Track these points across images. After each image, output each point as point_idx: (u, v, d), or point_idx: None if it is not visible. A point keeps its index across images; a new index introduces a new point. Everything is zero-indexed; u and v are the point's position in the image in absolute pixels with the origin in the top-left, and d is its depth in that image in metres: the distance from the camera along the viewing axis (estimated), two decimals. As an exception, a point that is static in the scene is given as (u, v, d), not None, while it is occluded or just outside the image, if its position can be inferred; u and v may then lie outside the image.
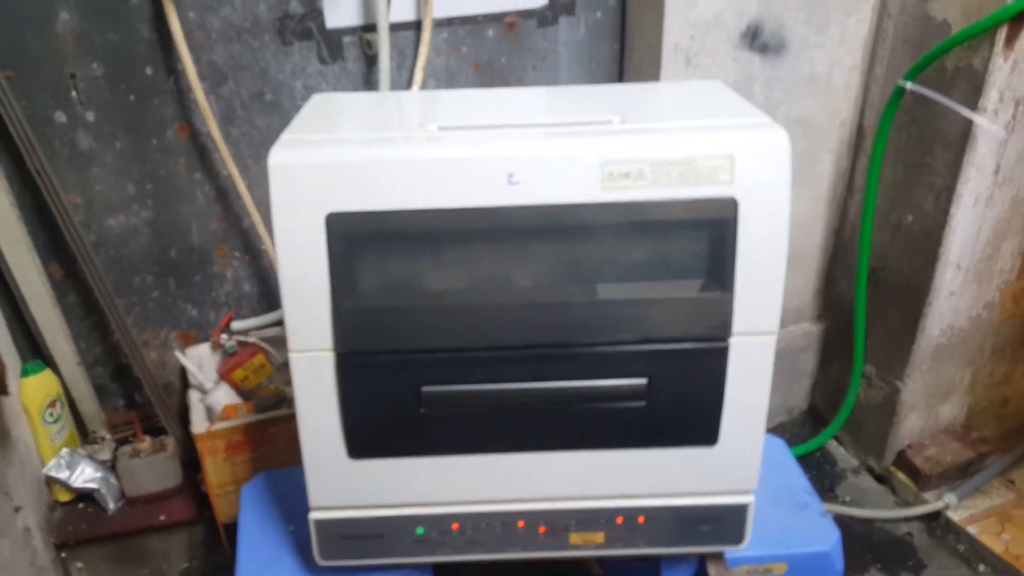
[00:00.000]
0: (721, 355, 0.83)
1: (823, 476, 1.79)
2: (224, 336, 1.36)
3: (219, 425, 1.25)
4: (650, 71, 1.36)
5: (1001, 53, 1.27)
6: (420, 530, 0.92)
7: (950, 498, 1.63)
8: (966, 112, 1.32)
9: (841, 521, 1.65)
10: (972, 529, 1.59)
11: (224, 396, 1.33)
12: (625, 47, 1.42)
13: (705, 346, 0.83)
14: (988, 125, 1.31)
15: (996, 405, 1.81)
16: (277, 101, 1.29)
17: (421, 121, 0.87)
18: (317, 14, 1.26)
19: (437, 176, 0.77)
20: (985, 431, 1.78)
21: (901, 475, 1.72)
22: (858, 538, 1.61)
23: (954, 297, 1.55)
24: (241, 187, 1.27)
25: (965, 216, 1.44)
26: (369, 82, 1.33)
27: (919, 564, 1.56)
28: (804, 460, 1.82)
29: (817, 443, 1.82)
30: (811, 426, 1.91)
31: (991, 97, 1.31)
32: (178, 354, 1.35)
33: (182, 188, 1.31)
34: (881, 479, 1.77)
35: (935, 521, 1.64)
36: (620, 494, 0.91)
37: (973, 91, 1.31)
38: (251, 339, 1.37)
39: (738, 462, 0.88)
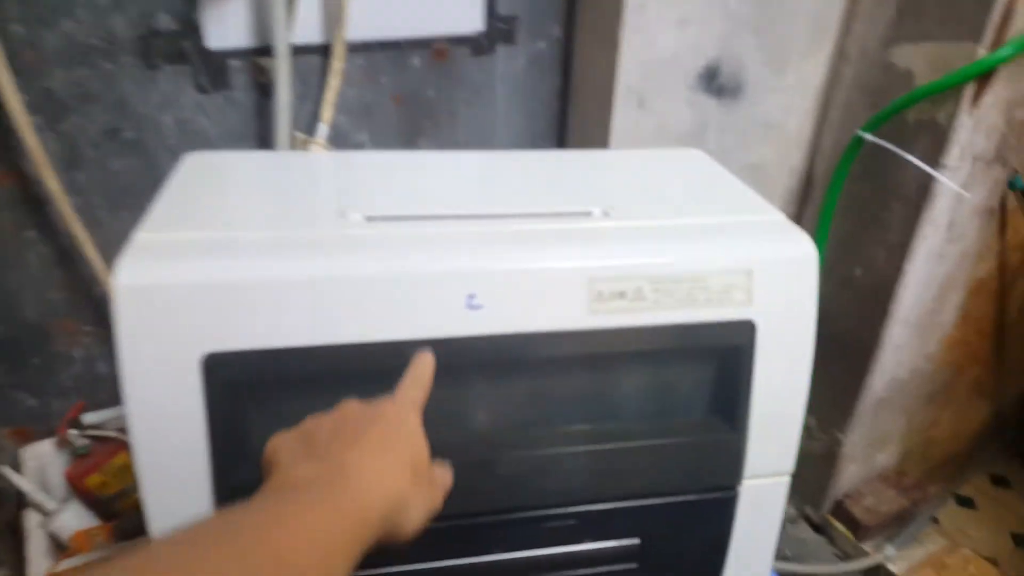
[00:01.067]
0: (728, 505, 0.67)
1: (763, 533, 1.71)
2: (73, 432, 1.07)
3: (66, 564, 0.96)
4: (598, 113, 1.18)
5: (967, 110, 1.19)
6: None
7: (889, 551, 1.60)
8: (929, 170, 1.24)
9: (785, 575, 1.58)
10: (910, 581, 1.56)
11: (74, 518, 1.03)
12: (571, 84, 1.24)
13: (710, 497, 0.66)
14: (953, 185, 1.24)
15: (923, 448, 1.81)
16: (140, 139, 1.01)
17: (342, 207, 0.64)
18: (193, 31, 0.99)
19: (371, 299, 0.56)
20: (913, 473, 1.78)
21: (839, 524, 1.68)
22: (803, 599, 1.54)
23: (899, 351, 1.49)
24: (89, 249, 0.99)
25: (918, 272, 1.37)
26: (262, 115, 1.07)
27: (862, 623, 1.50)
28: (744, 517, 1.74)
29: (758, 499, 1.74)
30: (748, 476, 1.84)
31: (953, 154, 1.23)
32: (8, 472, 1.04)
33: (9, 251, 1.01)
34: (819, 528, 1.71)
35: (876, 574, 1.60)
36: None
37: (935, 147, 1.24)
38: (110, 433, 1.09)
39: (743, 622, 0.73)
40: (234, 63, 1.03)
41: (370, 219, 0.63)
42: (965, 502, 1.84)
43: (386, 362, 0.56)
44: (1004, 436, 1.98)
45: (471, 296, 0.57)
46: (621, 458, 0.63)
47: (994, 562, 1.63)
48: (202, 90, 1.02)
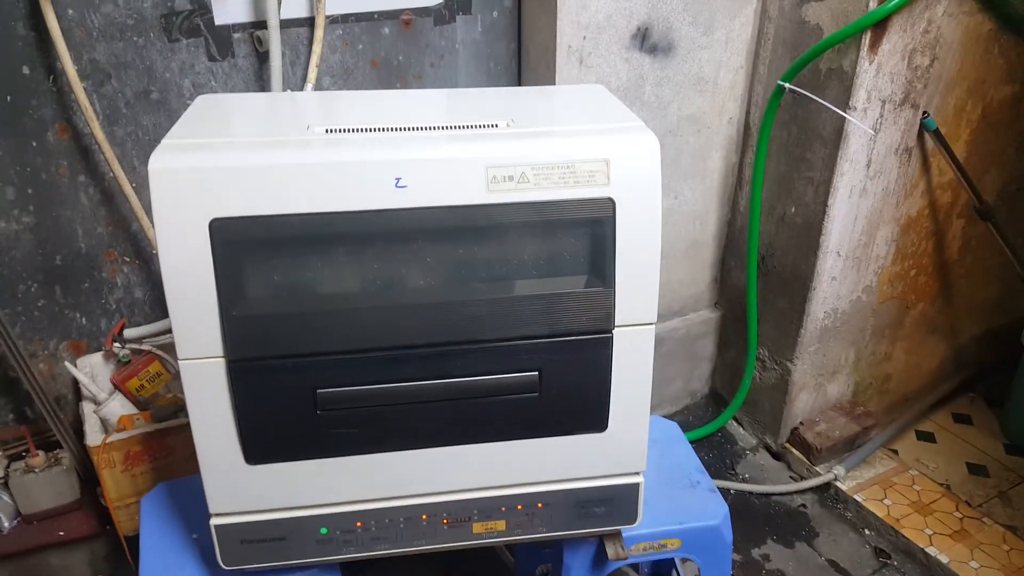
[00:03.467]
0: (606, 345, 0.87)
1: (724, 456, 1.89)
2: (117, 345, 1.32)
3: (115, 437, 1.21)
4: (545, 71, 1.39)
5: (867, 56, 1.37)
6: (323, 530, 0.93)
7: (839, 470, 1.76)
8: (839, 111, 1.42)
9: (740, 497, 1.76)
10: (859, 497, 1.72)
11: (119, 407, 1.29)
12: (522, 47, 1.45)
13: (591, 338, 0.87)
14: (858, 123, 1.42)
15: (880, 381, 1.96)
16: (164, 99, 1.26)
17: (309, 124, 0.87)
18: (205, 10, 1.23)
19: (323, 180, 0.78)
20: (871, 406, 1.92)
21: (795, 451, 1.84)
22: (756, 512, 1.72)
23: (835, 282, 1.66)
24: (128, 189, 1.23)
25: (842, 207, 1.54)
26: (261, 79, 1.31)
27: (812, 533, 1.67)
28: (706, 441, 1.92)
29: (717, 424, 1.92)
30: (713, 408, 2.02)
31: (860, 97, 1.41)
32: (68, 365, 1.30)
33: (65, 191, 1.26)
34: (777, 456, 1.88)
35: (826, 492, 1.77)
36: (518, 482, 0.94)
37: (844, 91, 1.41)
38: (145, 347, 1.33)
39: (627, 445, 0.93)
40: (237, 35, 1.26)
41: (329, 131, 0.85)
42: (926, 436, 1.96)
43: (335, 227, 0.78)
44: (965, 375, 2.10)
45: (398, 178, 0.79)
46: (518, 305, 0.84)
47: (947, 487, 1.77)
48: (212, 58, 1.26)
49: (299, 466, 0.88)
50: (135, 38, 1.21)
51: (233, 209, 0.77)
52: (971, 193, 1.69)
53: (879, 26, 1.35)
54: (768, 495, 1.77)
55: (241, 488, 0.88)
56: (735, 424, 1.96)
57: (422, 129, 0.86)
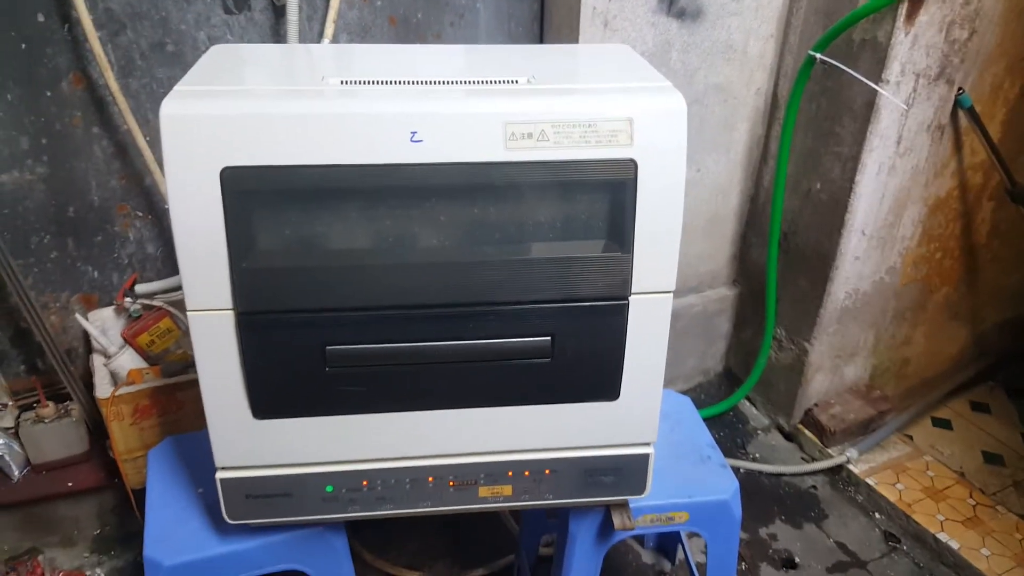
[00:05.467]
0: (621, 313, 0.85)
1: (736, 435, 1.87)
2: (128, 299, 1.31)
3: (124, 390, 1.21)
4: (568, 33, 1.35)
5: (903, 27, 1.32)
6: (329, 488, 0.92)
7: (851, 452, 1.74)
8: (870, 83, 1.37)
9: (750, 477, 1.74)
10: (871, 480, 1.70)
11: (129, 360, 1.29)
12: (545, 8, 1.41)
13: (606, 304, 0.85)
14: (890, 96, 1.37)
15: (897, 365, 1.92)
16: (179, 52, 1.24)
17: (324, 75, 0.84)
18: (223, -39, 1.20)
19: (337, 132, 0.75)
20: (887, 390, 1.89)
21: (808, 432, 1.81)
22: (766, 492, 1.70)
23: (858, 262, 1.62)
24: (141, 142, 1.22)
25: (869, 184, 1.50)
26: (277, 34, 1.28)
27: (821, 514, 1.66)
28: (718, 420, 1.90)
29: (730, 403, 1.90)
30: (727, 387, 1.99)
31: (893, 70, 1.36)
32: (79, 318, 1.30)
33: (79, 143, 1.25)
34: (789, 437, 1.86)
35: (837, 474, 1.75)
36: (527, 448, 0.93)
37: (877, 63, 1.37)
38: (156, 303, 1.33)
39: (638, 415, 0.91)
40: (255, -12, 1.24)
41: (344, 82, 0.82)
42: (942, 423, 1.93)
43: (347, 180, 0.76)
44: (985, 364, 2.06)
45: (413, 132, 0.76)
46: (533, 268, 0.82)
47: (961, 474, 1.75)
48: (228, 11, 1.24)
49: (306, 422, 0.87)
50: (151, -14, 1.18)
51: (245, 158, 0.75)
52: (1004, 175, 1.64)
53: (918, -5, 1.29)
54: (778, 475, 1.75)
55: (247, 442, 0.88)
56: (748, 403, 1.94)
57: (440, 83, 0.83)
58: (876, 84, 1.37)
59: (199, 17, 1.22)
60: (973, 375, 2.04)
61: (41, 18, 1.15)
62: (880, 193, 1.53)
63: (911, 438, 1.87)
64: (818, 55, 1.42)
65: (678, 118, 0.79)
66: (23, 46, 1.16)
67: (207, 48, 1.23)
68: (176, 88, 0.77)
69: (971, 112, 1.50)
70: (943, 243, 1.75)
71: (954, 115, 1.52)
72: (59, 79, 1.20)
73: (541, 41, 1.45)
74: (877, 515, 1.66)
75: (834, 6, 1.42)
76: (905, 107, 1.40)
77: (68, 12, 1.16)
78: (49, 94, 1.20)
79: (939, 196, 1.64)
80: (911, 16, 1.31)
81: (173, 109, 0.74)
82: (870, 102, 1.40)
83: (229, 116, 0.74)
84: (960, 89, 1.47)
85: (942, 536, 1.55)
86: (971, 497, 1.67)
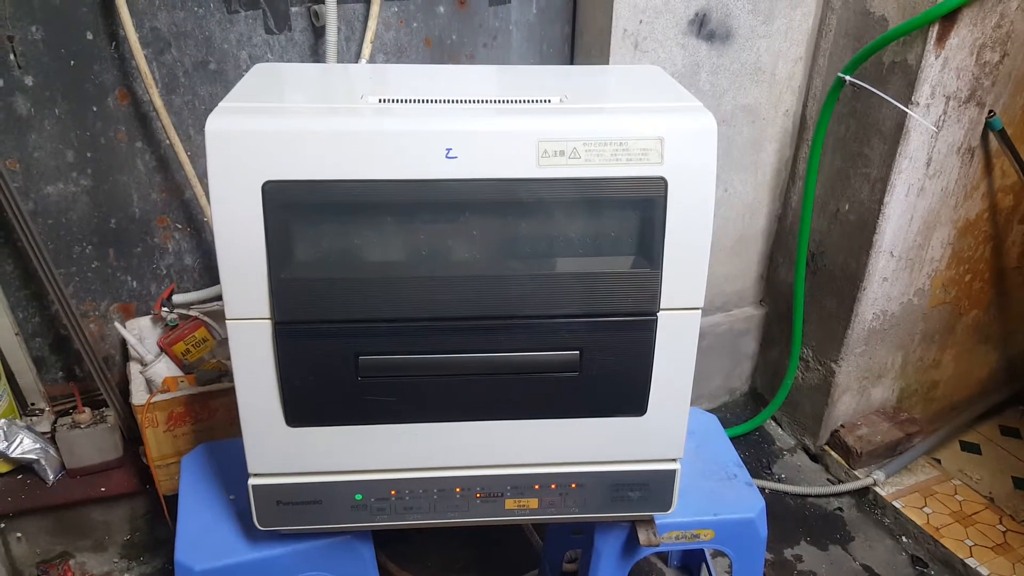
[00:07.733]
0: (649, 328, 0.86)
1: (761, 455, 1.85)
2: (165, 309, 1.35)
3: (159, 397, 1.24)
4: (599, 55, 1.38)
5: (933, 50, 1.32)
6: (358, 496, 0.94)
7: (878, 475, 1.71)
8: (900, 106, 1.37)
9: (775, 497, 1.73)
10: (898, 504, 1.68)
11: (165, 368, 1.32)
12: (576, 30, 1.44)
13: (634, 320, 0.86)
14: (920, 119, 1.37)
15: (926, 388, 1.90)
16: (221, 70, 1.28)
17: (362, 94, 0.87)
18: (265, -16, 1.25)
19: (374, 148, 0.78)
20: (915, 413, 1.87)
21: (834, 454, 1.80)
22: (791, 513, 1.68)
23: (887, 283, 1.61)
24: (183, 157, 1.26)
25: (898, 205, 1.50)
26: (316, 54, 1.32)
27: (847, 536, 1.63)
28: (744, 439, 1.89)
29: (755, 423, 1.89)
30: (752, 407, 1.98)
31: (924, 92, 1.36)
32: (118, 326, 1.33)
33: (123, 157, 1.29)
34: (815, 458, 1.84)
35: (864, 496, 1.72)
36: (554, 461, 0.94)
37: (907, 86, 1.37)
38: (193, 313, 1.36)
39: (665, 431, 0.92)
40: (295, 9, 1.28)
41: (382, 100, 0.85)
42: (971, 447, 1.91)
43: (384, 195, 0.79)
44: (1016, 388, 2.03)
45: (448, 149, 0.79)
46: (563, 282, 0.83)
47: (991, 499, 1.72)
48: (270, 31, 1.28)
49: (338, 431, 0.89)
50: (195, 8, 1.23)
51: (286, 172, 0.77)
52: (1035, 197, 1.62)
53: (948, 18, 1.30)
54: (804, 496, 1.73)
55: (280, 449, 0.90)
56: (773, 424, 1.93)
57: (475, 102, 0.85)
58: (906, 106, 1.37)
59: (241, 37, 1.27)
60: (1003, 399, 2.01)
61: (90, 36, 1.20)
62: (909, 215, 1.53)
63: (939, 462, 1.84)
64: (847, 77, 1.42)
65: (708, 137, 0.81)
66: (72, 63, 1.21)
67: (248, 67, 1.29)
68: (221, 105, 0.81)
69: (1002, 134, 1.50)
70: (973, 265, 1.73)
71: (984, 137, 1.51)
72: (105, 95, 1.24)
73: (572, 61, 1.47)
74: (904, 539, 1.63)
75: (864, 29, 1.43)
76: (935, 129, 1.40)
77: (115, 31, 1.21)
78: (95, 109, 1.25)
79: (969, 218, 1.63)
80: (942, 39, 1.31)
81: (218, 125, 0.77)
82: (900, 124, 1.40)
83: (271, 132, 0.77)
84: (991, 112, 1.47)
85: (971, 562, 1.52)
86: (1001, 523, 1.64)
